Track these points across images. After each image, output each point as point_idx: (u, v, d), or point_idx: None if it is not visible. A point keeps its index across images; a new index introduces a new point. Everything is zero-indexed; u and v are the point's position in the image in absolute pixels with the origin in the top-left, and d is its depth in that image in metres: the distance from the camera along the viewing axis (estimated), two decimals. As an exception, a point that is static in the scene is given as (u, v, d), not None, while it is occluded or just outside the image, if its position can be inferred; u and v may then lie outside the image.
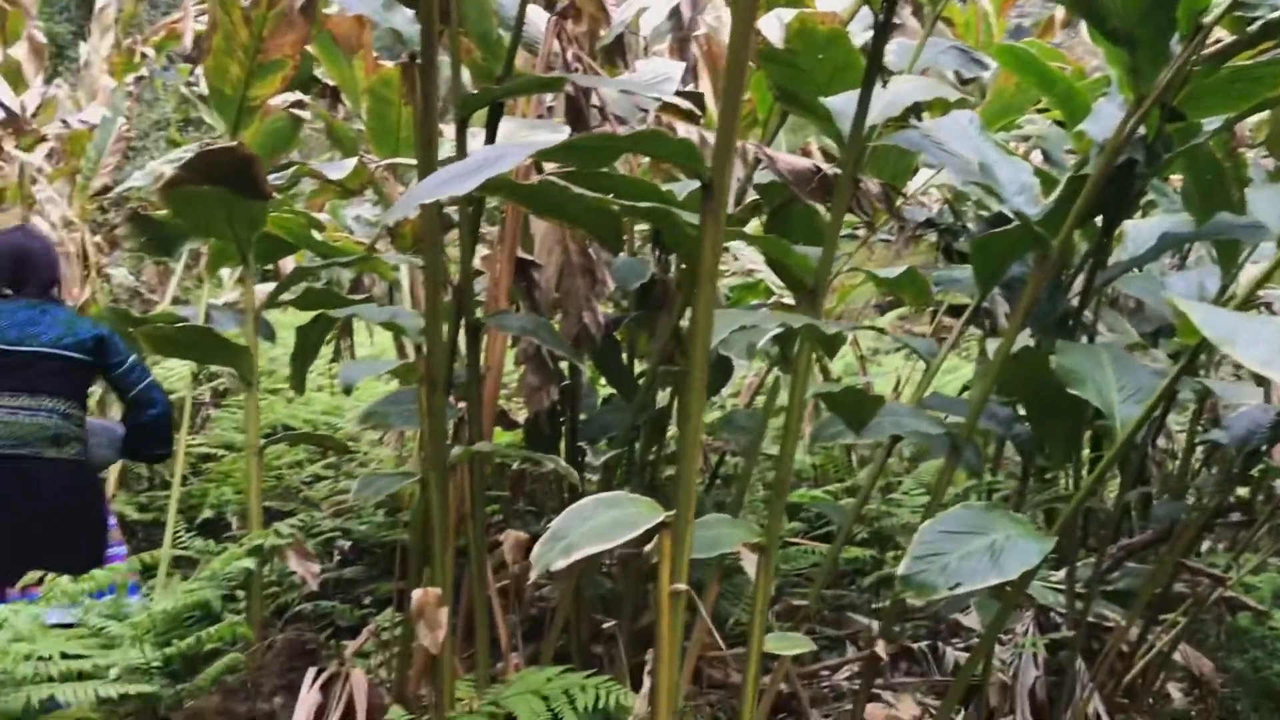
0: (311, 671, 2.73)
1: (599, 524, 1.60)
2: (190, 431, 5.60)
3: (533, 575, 1.59)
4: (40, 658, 2.26)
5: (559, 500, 3.68)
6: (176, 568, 4.19)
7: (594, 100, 2.99)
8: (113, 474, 4.23)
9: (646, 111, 3.05)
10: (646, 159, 3.40)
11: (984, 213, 4.29)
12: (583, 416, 3.35)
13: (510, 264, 3.05)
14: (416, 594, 2.17)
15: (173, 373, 6.03)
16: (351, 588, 4.39)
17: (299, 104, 4.50)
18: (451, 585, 2.23)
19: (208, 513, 4.32)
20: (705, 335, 1.65)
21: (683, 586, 1.69)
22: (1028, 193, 2.48)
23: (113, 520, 3.67)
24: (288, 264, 5.77)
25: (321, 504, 4.87)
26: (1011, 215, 2.35)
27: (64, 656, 2.32)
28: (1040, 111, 4.14)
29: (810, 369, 2.20)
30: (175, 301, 5.09)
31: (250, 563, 2.89)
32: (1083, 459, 3.11)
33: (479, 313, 2.68)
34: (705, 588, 2.15)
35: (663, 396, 3.41)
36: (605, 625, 3.11)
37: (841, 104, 2.08)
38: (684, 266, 3.23)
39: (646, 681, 1.71)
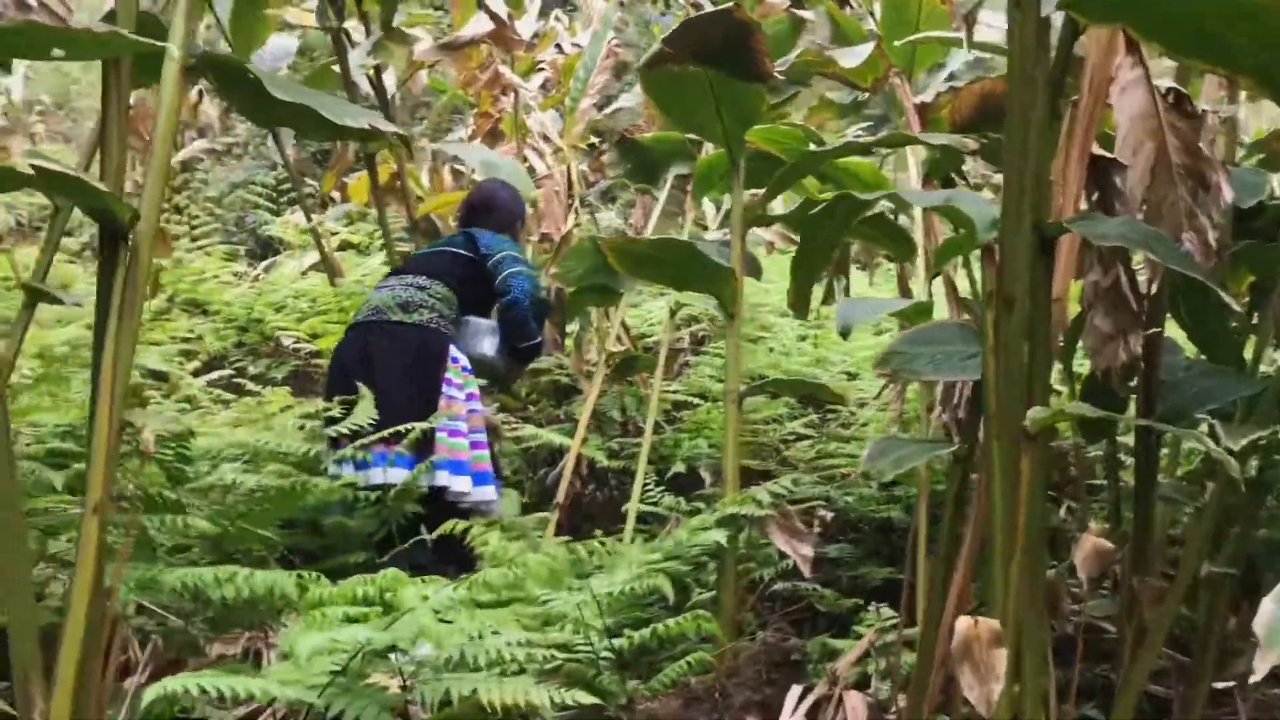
0: (795, 690, 2.09)
1: None
2: (666, 377, 5.24)
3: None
4: (469, 635, 1.78)
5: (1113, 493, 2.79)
6: (645, 524, 3.77)
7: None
8: (583, 417, 3.87)
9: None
10: None
11: None
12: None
13: (1082, 162, 2.20)
14: (963, 625, 1.43)
15: (652, 315, 5.71)
16: (833, 568, 3.73)
17: (800, 2, 3.87)
18: (1021, 614, 1.46)
19: (679, 466, 3.83)
20: None
21: None
22: None
23: (474, 394, 3.58)
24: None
25: (801, 466, 4.25)
26: None
27: (494, 634, 1.83)
28: None
29: None
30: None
31: (721, 535, 2.30)
32: None
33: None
34: None
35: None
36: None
37: None
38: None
39: None
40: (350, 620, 1.53)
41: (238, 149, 9.63)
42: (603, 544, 2.20)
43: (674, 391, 4.72)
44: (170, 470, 2.13)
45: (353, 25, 4.41)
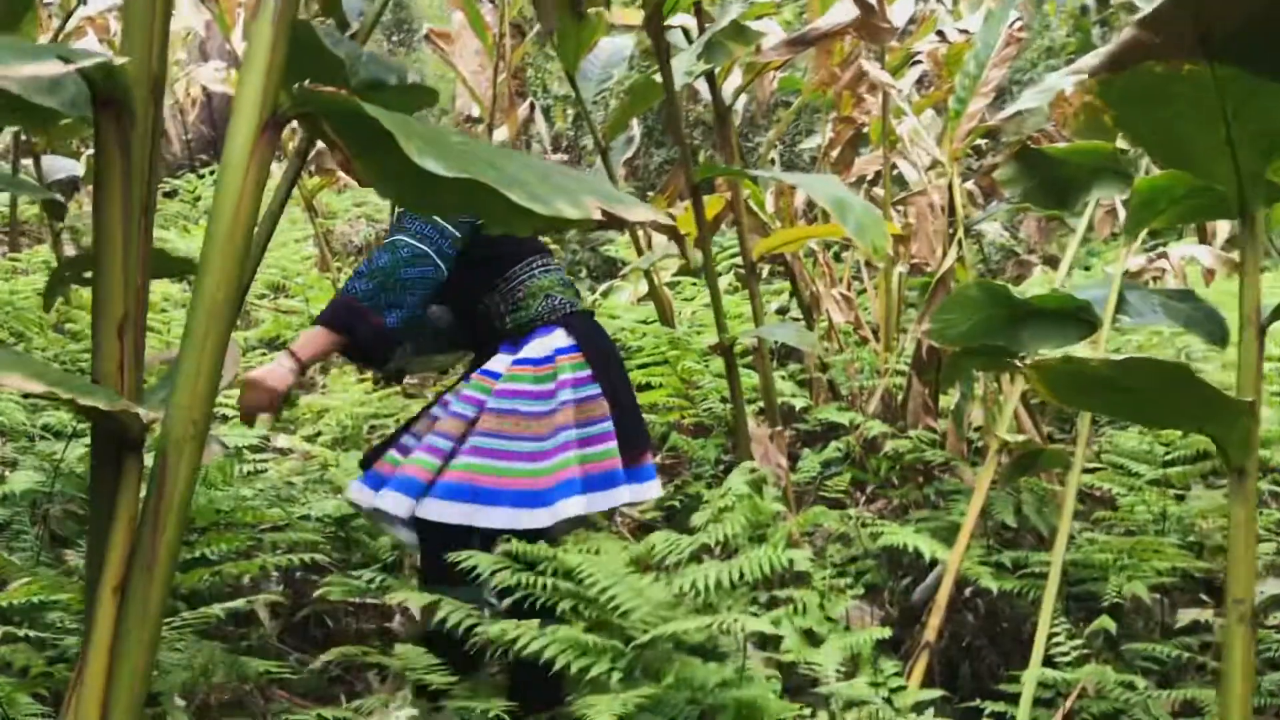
0: None
1: None
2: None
3: None
4: None
5: None
6: (1049, 691, 2.71)
7: None
8: (968, 523, 2.88)
9: None
10: None
11: None
12: None
13: None
14: None
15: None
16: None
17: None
18: None
19: (1105, 622, 2.72)
20: None
21: None
22: None
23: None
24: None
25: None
26: None
27: None
28: None
29: None
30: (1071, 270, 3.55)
31: None
32: None
33: None
34: None
35: None
36: None
37: None
38: None
39: None
40: None
41: (586, 162, 9.26)
42: None
43: (1092, 471, 3.55)
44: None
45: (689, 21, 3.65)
